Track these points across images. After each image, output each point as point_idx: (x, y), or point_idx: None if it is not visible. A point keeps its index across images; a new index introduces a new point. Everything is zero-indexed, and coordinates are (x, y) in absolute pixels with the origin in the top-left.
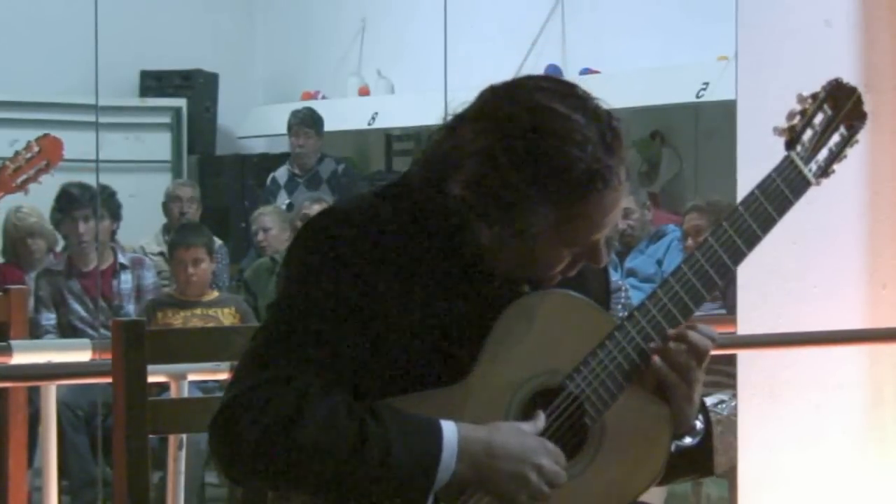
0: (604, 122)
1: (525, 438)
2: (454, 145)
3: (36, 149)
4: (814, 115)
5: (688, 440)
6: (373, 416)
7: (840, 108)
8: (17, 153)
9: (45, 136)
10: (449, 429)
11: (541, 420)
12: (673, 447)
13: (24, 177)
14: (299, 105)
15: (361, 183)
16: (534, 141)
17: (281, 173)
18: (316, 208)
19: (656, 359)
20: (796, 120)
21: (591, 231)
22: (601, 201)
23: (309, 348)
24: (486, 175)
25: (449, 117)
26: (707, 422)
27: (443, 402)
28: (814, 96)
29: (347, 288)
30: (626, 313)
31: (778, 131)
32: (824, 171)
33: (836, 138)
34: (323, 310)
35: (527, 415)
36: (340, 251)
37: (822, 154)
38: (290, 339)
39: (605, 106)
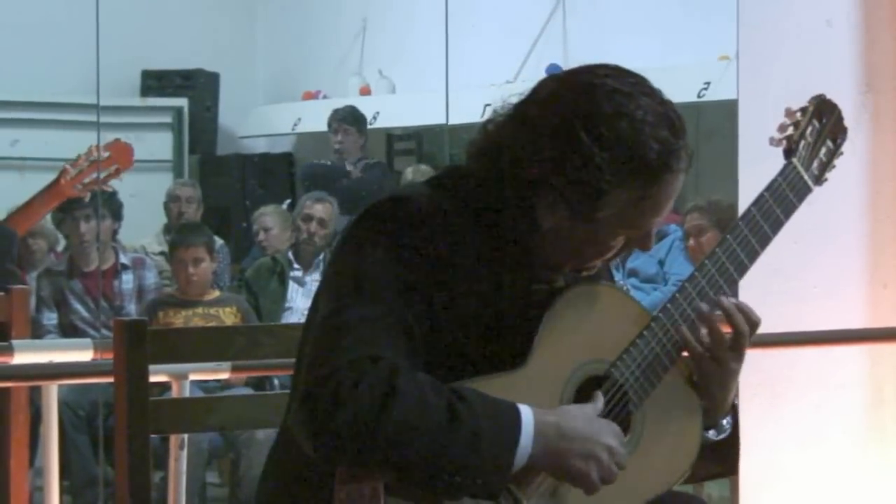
0: (670, 106)
1: (593, 420)
2: (523, 129)
3: (105, 154)
4: (806, 127)
5: (711, 433)
6: (458, 396)
7: (826, 122)
8: (78, 157)
9: (116, 140)
10: (526, 412)
11: (600, 401)
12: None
13: (86, 180)
14: (301, 105)
15: (388, 183)
16: (614, 122)
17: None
18: (318, 207)
19: (691, 338)
20: (790, 131)
21: (655, 214)
22: (672, 183)
23: (389, 328)
24: (567, 154)
25: (506, 106)
26: (735, 423)
27: (502, 388)
28: (803, 110)
29: (417, 271)
30: None
31: (774, 142)
32: (818, 179)
33: (823, 150)
34: (398, 291)
35: (579, 402)
36: (409, 235)
37: (815, 163)
38: (370, 319)
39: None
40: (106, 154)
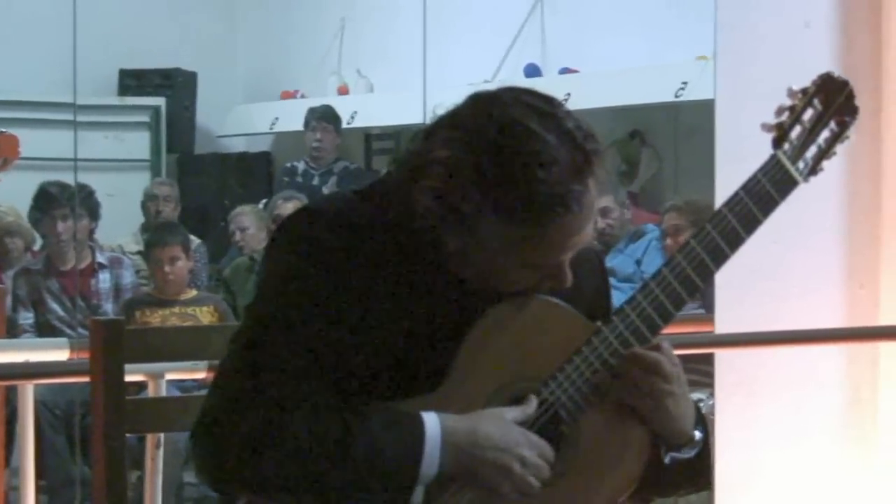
0: (578, 144)
1: (508, 429)
2: (425, 150)
3: None
4: (803, 111)
5: (685, 452)
6: (355, 414)
7: (831, 102)
8: None
9: (1, 133)
10: (431, 421)
11: (532, 404)
12: (668, 459)
13: None
14: (279, 104)
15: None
16: (499, 158)
17: (298, 164)
18: (289, 206)
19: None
20: (785, 116)
21: (553, 253)
22: (562, 226)
23: (288, 352)
24: (448, 185)
25: (433, 118)
26: (705, 433)
27: (419, 410)
28: (804, 91)
29: (324, 290)
30: None
31: (766, 128)
32: (812, 169)
33: (825, 134)
34: (301, 313)
35: None
36: (316, 252)
37: (811, 151)
38: (269, 344)
39: (585, 127)
40: None
